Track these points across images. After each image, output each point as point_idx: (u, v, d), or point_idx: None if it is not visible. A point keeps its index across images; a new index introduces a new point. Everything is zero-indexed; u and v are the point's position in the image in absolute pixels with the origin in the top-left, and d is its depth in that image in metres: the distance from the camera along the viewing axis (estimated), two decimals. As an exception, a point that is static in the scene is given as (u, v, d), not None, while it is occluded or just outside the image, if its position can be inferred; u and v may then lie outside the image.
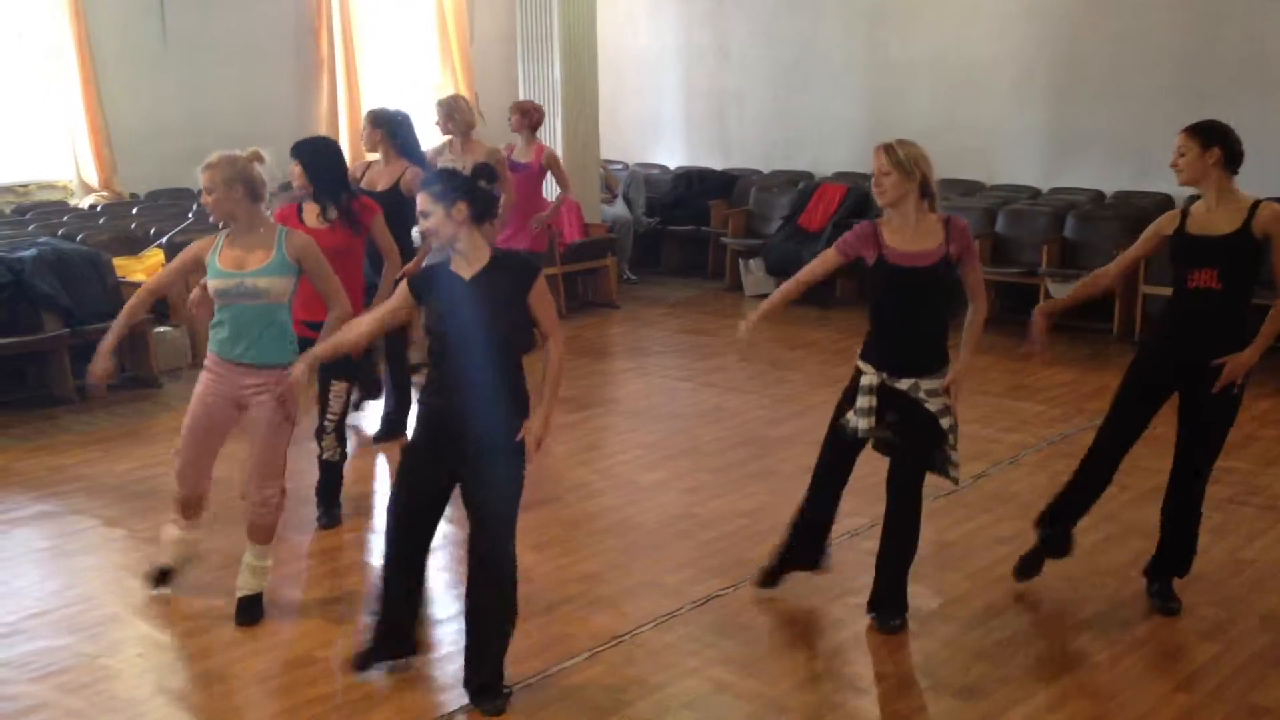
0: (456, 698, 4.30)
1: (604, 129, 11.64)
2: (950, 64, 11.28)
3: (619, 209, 11.93)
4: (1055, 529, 5.04)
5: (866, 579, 5.23)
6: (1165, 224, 4.77)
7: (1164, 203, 9.99)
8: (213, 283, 4.69)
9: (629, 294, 11.25)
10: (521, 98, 11.16)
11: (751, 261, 11.27)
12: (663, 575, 5.31)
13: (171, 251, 6.84)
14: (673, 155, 13.36)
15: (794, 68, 12.30)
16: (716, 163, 12.89)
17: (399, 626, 4.37)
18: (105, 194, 10.35)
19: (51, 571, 5.44)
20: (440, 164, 7.37)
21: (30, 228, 9.12)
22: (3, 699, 4.34)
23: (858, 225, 4.66)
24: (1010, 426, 7.35)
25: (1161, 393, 4.84)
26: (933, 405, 4.54)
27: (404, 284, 4.18)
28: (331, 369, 5.59)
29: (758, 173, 12.46)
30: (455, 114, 7.50)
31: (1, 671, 4.53)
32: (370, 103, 12.22)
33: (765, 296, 11.48)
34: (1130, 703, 4.25)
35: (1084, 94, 10.52)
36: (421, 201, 4.04)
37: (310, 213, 5.71)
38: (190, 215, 9.39)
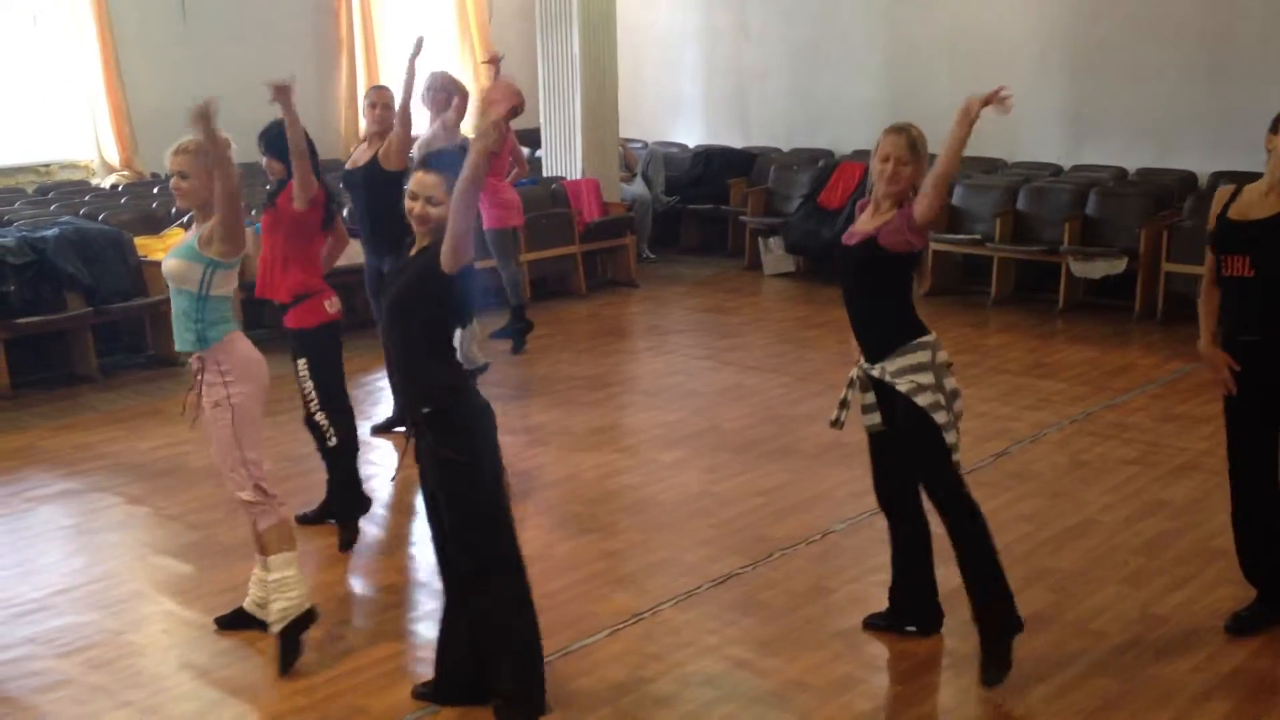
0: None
1: (623, 107, 11.61)
2: (971, 41, 11.21)
3: (638, 187, 11.91)
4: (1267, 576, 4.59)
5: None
6: (1215, 204, 4.49)
7: (1187, 180, 9.93)
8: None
9: (648, 273, 11.24)
10: (541, 79, 11.18)
11: (771, 240, 11.24)
12: (682, 553, 5.33)
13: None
14: (692, 133, 13.32)
15: (814, 46, 12.24)
16: (736, 141, 12.85)
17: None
18: (126, 173, 10.40)
19: (76, 548, 5.48)
20: (435, 146, 7.39)
21: (52, 207, 9.17)
22: (29, 674, 4.39)
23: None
24: (1031, 404, 7.33)
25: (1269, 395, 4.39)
26: (903, 386, 4.22)
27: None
28: (296, 344, 5.39)
29: (777, 151, 12.41)
30: (449, 90, 7.45)
31: (28, 647, 4.57)
32: (390, 82, 12.24)
33: (785, 275, 11.50)
34: (1151, 681, 4.24)
35: (1105, 71, 10.44)
36: (431, 187, 3.83)
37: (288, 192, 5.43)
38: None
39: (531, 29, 11.55)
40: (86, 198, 9.58)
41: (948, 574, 4.43)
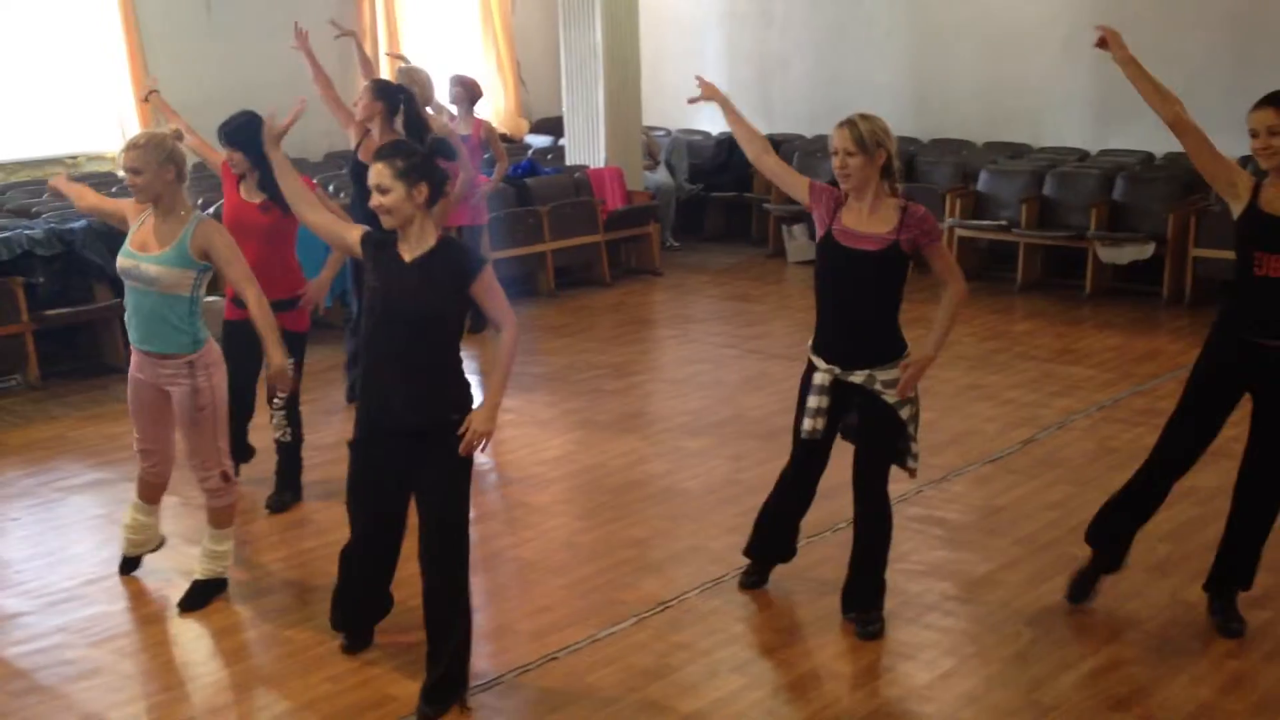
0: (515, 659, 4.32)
1: (646, 95, 11.59)
2: (996, 25, 11.13)
3: (661, 175, 11.89)
4: (1111, 543, 4.58)
5: (912, 544, 5.23)
6: (1242, 184, 4.21)
7: (1215, 164, 9.83)
8: (118, 259, 4.58)
9: (672, 261, 11.22)
10: (564, 67, 11.17)
11: (795, 227, 11.21)
12: (708, 541, 5.33)
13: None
14: (715, 121, 13.25)
15: (838, 31, 12.18)
16: (760, 127, 12.66)
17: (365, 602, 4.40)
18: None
19: (107, 538, 5.52)
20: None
21: (80, 199, 9.21)
22: (61, 663, 4.43)
23: (825, 187, 4.37)
24: (1058, 391, 7.29)
25: (1233, 394, 4.29)
26: (890, 397, 4.24)
27: (361, 231, 3.98)
28: (289, 346, 5.29)
29: (801, 137, 12.36)
30: (416, 85, 7.41)
31: (59, 636, 4.62)
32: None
33: (809, 263, 11.42)
34: (1181, 668, 4.22)
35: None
36: (380, 175, 3.78)
37: (246, 183, 5.47)
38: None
39: (554, 17, 11.54)
40: (114, 189, 9.61)
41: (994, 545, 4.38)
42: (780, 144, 12.28)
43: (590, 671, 4.30)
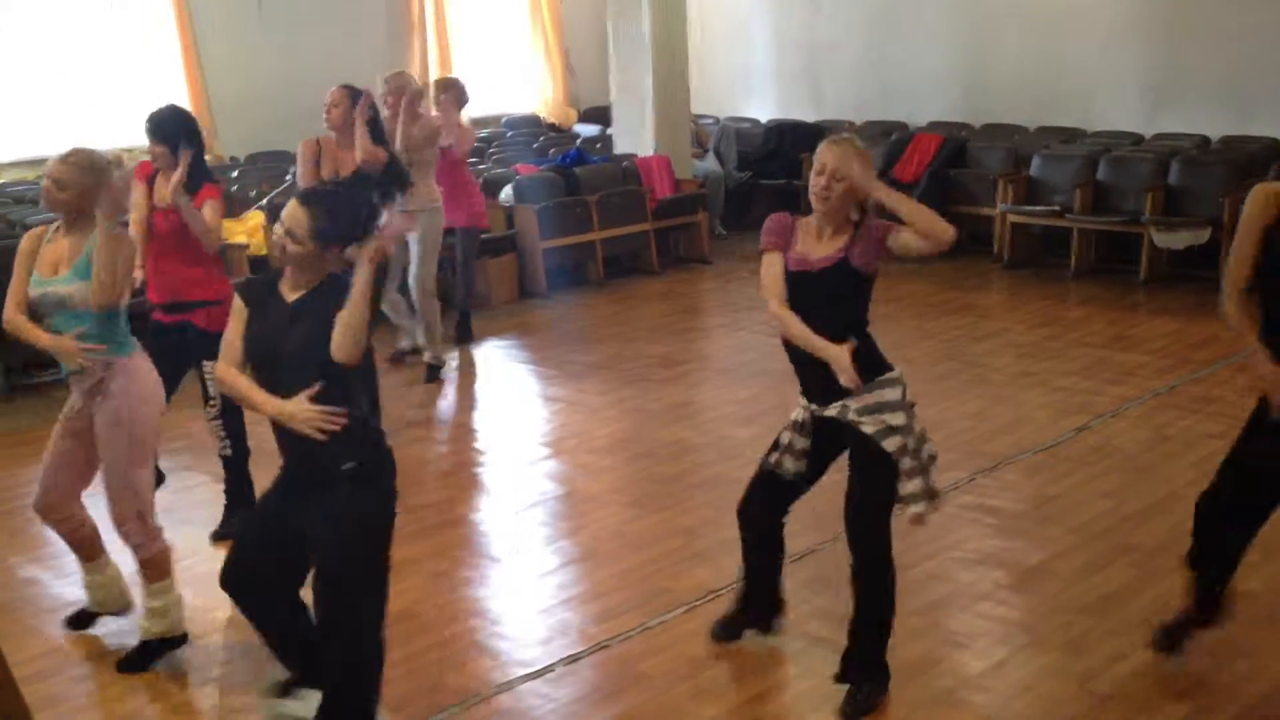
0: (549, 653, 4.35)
1: (694, 83, 11.56)
2: (1047, 7, 11.00)
3: (710, 164, 11.87)
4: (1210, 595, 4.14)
5: (964, 533, 5.21)
6: (1265, 206, 3.71)
7: (1272, 147, 9.69)
8: (30, 292, 4.26)
9: (720, 249, 11.20)
10: (612, 56, 11.17)
11: (845, 214, 11.14)
12: (759, 530, 5.32)
13: (272, 213, 6.95)
14: (764, 108, 13.24)
15: (887, 15, 12.09)
16: (808, 115, 12.75)
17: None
18: (206, 158, 10.56)
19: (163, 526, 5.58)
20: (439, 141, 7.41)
21: (135, 192, 9.32)
22: (120, 650, 4.49)
23: (773, 217, 4.02)
24: (1113, 379, 7.22)
25: None
26: (869, 427, 3.83)
27: (235, 298, 3.68)
28: (201, 349, 5.09)
29: (850, 124, 12.30)
30: (407, 89, 7.38)
31: (116, 624, 4.68)
32: (461, 64, 12.32)
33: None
34: (1239, 659, 4.17)
35: (1186, 35, 10.20)
36: (296, 221, 3.48)
37: (163, 185, 5.22)
38: (289, 178, 9.53)
39: (602, 6, 11.54)
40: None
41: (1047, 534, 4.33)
42: (829, 130, 12.20)
43: (642, 660, 4.32)
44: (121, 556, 4.62)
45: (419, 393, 7.54)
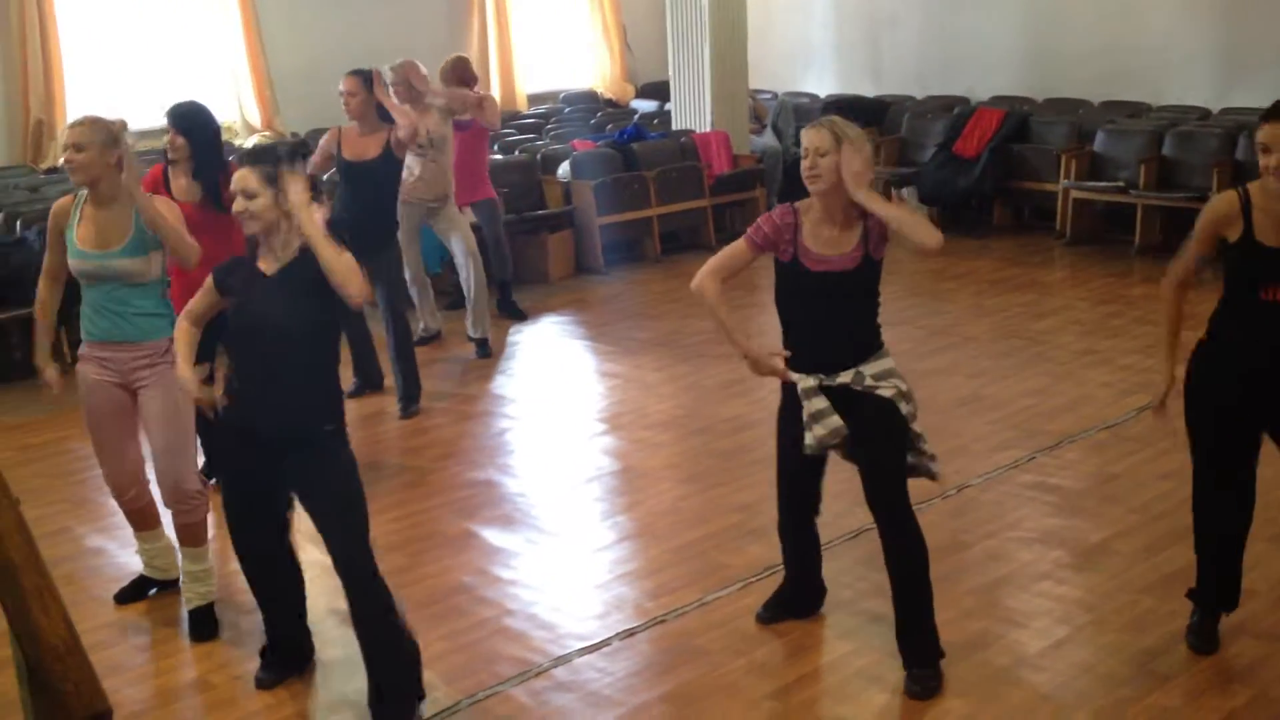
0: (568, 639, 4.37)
1: (752, 57, 11.48)
2: (1114, -21, 10.82)
3: (767, 139, 11.78)
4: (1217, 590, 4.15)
5: (1024, 511, 5.16)
6: (1216, 216, 3.95)
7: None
8: (73, 262, 4.34)
9: (779, 225, 11.11)
10: (670, 31, 11.11)
11: (904, 191, 11.06)
12: (816, 507, 5.30)
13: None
14: (822, 83, 13.13)
15: (949, -12, 11.95)
16: (868, 89, 12.62)
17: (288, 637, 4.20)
18: (268, 134, 10.66)
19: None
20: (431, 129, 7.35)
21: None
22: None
23: (777, 211, 3.97)
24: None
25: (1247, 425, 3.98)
26: (886, 390, 3.86)
27: (209, 278, 3.85)
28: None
29: (911, 99, 12.16)
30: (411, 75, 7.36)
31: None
32: (520, 40, 12.32)
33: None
34: (1304, 641, 4.11)
35: (1257, 7, 9.99)
36: (246, 180, 3.68)
37: (178, 182, 5.30)
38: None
39: (660, -18, 11.49)
40: (230, 158, 9.83)
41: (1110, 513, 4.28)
42: (889, 105, 12.10)
43: (698, 635, 4.32)
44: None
45: (478, 367, 7.59)
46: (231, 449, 3.94)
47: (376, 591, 3.80)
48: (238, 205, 3.71)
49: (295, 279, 3.71)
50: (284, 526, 4.06)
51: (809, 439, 3.94)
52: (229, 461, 4.02)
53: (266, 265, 3.78)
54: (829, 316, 3.91)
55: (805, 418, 3.93)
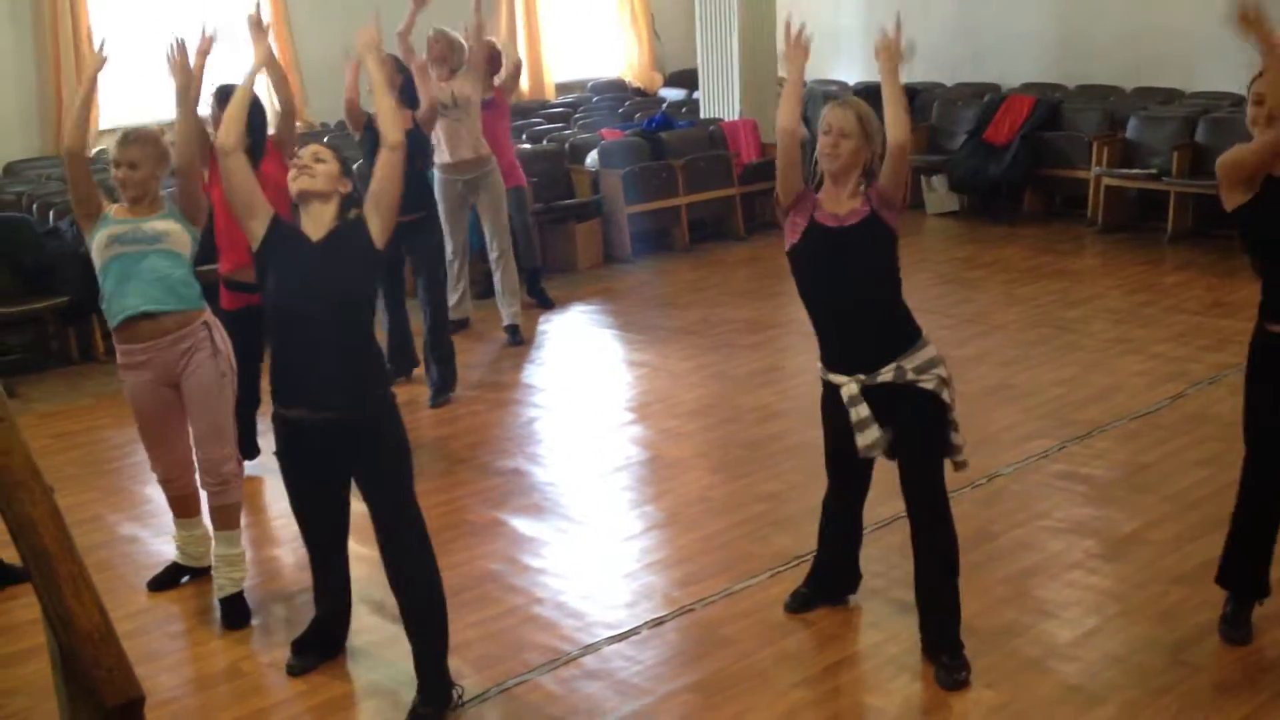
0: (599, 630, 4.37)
1: (782, 45, 11.42)
2: (1146, -35, 10.71)
3: (797, 127, 11.74)
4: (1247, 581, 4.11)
5: (1055, 500, 5.13)
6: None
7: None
8: (107, 231, 4.35)
9: (808, 214, 11.08)
10: (698, 18, 11.09)
11: (934, 178, 11.00)
12: (844, 496, 5.29)
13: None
14: (852, 70, 13.06)
15: (979, -25, 11.86)
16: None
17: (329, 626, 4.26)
18: (297, 124, 10.70)
19: (261, 488, 5.70)
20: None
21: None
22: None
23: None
24: (1209, 345, 7.04)
25: None
26: (928, 382, 3.84)
27: (271, 210, 3.87)
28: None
29: (941, 86, 12.09)
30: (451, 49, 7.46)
31: (206, 583, 4.78)
32: (548, 28, 12.31)
33: (948, 214, 11.18)
34: (1338, 632, 4.07)
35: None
36: (321, 151, 3.82)
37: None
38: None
39: (688, -31, 11.46)
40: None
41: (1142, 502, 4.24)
42: (919, 92, 12.03)
43: (726, 624, 4.32)
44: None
45: (507, 356, 7.61)
46: (286, 418, 3.86)
47: (422, 541, 3.87)
48: (297, 172, 3.78)
49: (342, 246, 3.76)
50: (346, 514, 4.09)
51: (862, 440, 3.91)
52: (286, 429, 3.89)
53: (311, 230, 3.80)
54: (849, 284, 3.85)
55: (853, 421, 3.90)
